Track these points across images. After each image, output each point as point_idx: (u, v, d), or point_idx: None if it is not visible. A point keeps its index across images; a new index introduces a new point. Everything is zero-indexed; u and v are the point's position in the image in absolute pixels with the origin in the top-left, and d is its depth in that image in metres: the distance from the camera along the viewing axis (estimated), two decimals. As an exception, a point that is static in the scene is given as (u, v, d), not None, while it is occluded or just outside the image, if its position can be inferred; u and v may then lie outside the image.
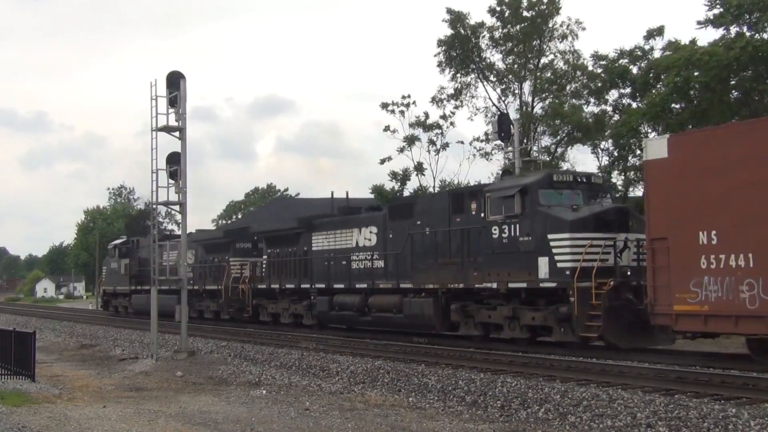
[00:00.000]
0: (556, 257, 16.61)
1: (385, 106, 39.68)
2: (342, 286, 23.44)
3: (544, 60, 36.12)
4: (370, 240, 22.49)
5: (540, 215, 17.17)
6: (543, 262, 16.83)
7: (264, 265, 27.95)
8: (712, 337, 15.41)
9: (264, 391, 15.04)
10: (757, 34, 26.10)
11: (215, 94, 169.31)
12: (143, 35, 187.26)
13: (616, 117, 32.40)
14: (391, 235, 21.64)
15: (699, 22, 27.71)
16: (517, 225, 17.57)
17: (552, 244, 16.76)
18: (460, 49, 35.99)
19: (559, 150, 35.38)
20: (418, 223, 20.59)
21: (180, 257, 22.17)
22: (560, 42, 35.82)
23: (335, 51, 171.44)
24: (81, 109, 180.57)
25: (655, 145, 14.95)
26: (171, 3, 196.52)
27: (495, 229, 18.04)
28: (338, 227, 24.29)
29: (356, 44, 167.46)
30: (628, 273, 16.32)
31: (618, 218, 16.85)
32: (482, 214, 18.52)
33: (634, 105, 31.68)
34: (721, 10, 26.79)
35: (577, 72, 34.81)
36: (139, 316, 35.32)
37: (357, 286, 22.77)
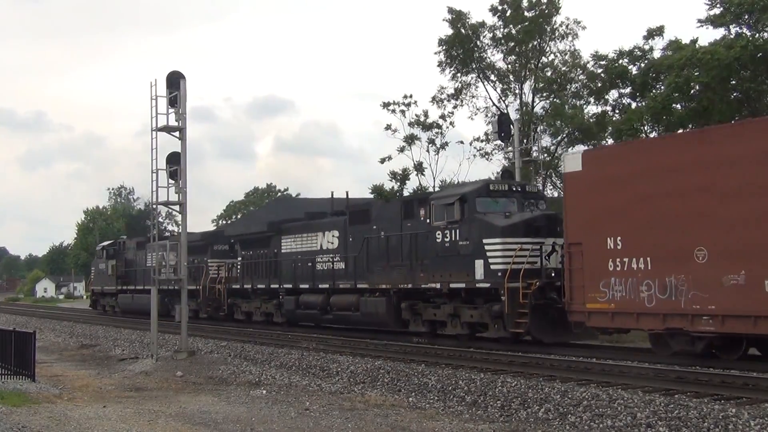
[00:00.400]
0: (490, 260, 17.99)
1: (386, 105, 39.64)
2: (307, 286, 24.89)
3: (544, 60, 36.11)
4: (332, 243, 23.96)
5: (476, 221, 18.59)
6: (479, 265, 18.23)
7: (238, 267, 29.47)
8: (621, 333, 17.15)
9: (264, 391, 15.05)
10: (757, 34, 26.10)
11: (214, 94, 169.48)
12: (141, 35, 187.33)
13: (616, 117, 32.37)
14: (350, 239, 23.01)
15: (699, 20, 27.72)
16: (457, 230, 18.95)
17: (486, 248, 18.12)
18: (461, 48, 35.96)
19: (560, 150, 35.36)
20: (374, 227, 22.00)
21: (179, 257, 22.21)
22: (560, 42, 35.81)
23: (333, 51, 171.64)
24: (80, 109, 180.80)
25: (572, 160, 16.51)
26: (169, 3, 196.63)
27: (438, 234, 19.46)
28: (304, 231, 25.81)
29: (354, 44, 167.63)
30: (553, 274, 17.59)
31: (546, 224, 18.09)
32: (428, 220, 19.91)
33: (634, 105, 31.67)
34: (722, 9, 26.78)
35: (577, 72, 34.78)
36: (126, 314, 37.27)
37: (320, 286, 24.21)
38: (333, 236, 23.97)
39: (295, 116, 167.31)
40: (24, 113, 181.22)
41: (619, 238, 15.29)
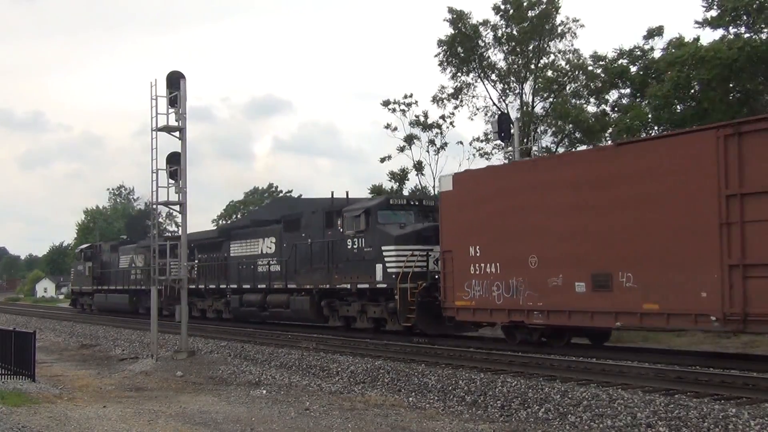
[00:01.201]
0: (387, 264, 20.79)
1: (386, 104, 39.66)
2: (248, 286, 27.75)
3: (544, 60, 36.10)
4: (270, 248, 26.82)
5: (377, 231, 21.38)
6: (379, 268, 21.02)
7: (195, 268, 31.61)
8: (481, 326, 20.57)
9: (264, 391, 15.05)
10: (754, 35, 26.09)
11: (212, 94, 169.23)
12: (139, 35, 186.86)
13: (615, 117, 32.35)
14: (284, 245, 25.69)
15: (697, 22, 27.72)
16: (363, 238, 21.83)
17: (384, 254, 20.90)
18: (462, 48, 35.96)
19: (560, 149, 35.35)
20: (303, 235, 24.70)
21: (180, 257, 22.25)
22: (559, 41, 35.81)
23: (331, 51, 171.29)
24: (78, 109, 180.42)
25: (445, 181, 19.71)
26: (167, 3, 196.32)
27: (349, 242, 22.30)
28: (249, 237, 28.60)
29: (352, 44, 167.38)
30: (436, 276, 20.10)
31: (434, 234, 20.23)
32: (341, 230, 22.73)
33: (637, 101, 31.66)
34: (719, 11, 26.78)
35: (577, 72, 34.78)
36: (101, 312, 40.97)
37: (259, 286, 27.13)
38: (271, 242, 26.79)
39: (293, 116, 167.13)
40: (22, 113, 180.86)
41: (478, 246, 18.37)
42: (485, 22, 35.74)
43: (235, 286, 28.53)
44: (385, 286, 20.80)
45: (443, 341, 20.03)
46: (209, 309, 31.33)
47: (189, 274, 29.84)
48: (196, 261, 31.75)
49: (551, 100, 34.99)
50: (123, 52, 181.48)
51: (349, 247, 22.22)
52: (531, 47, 35.72)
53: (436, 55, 36.64)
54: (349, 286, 22.23)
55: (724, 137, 13.83)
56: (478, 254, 18.31)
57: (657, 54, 31.41)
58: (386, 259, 20.75)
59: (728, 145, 13.71)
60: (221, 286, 29.78)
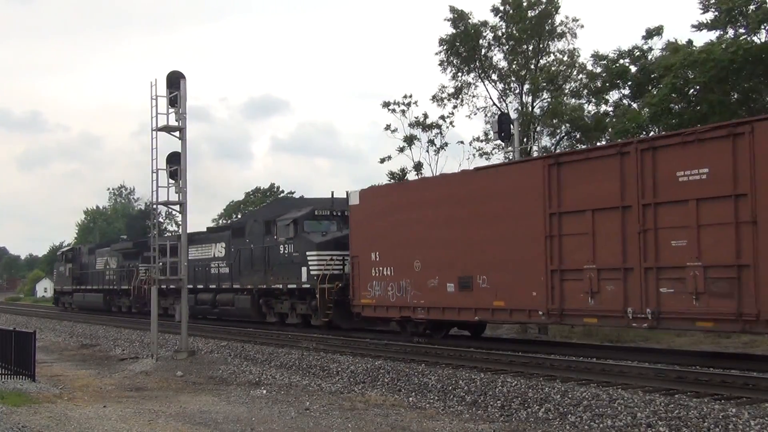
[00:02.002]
0: (310, 267, 23.68)
1: (386, 105, 39.65)
2: (202, 286, 31.06)
3: (543, 60, 36.07)
4: (221, 252, 30.23)
5: (303, 238, 24.36)
6: (304, 271, 23.95)
7: (160, 270, 33.93)
8: (381, 321, 22.35)
9: (264, 391, 15.05)
10: (752, 37, 26.06)
11: (209, 95, 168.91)
12: (136, 35, 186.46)
13: (615, 118, 32.31)
14: (232, 249, 28.90)
15: (693, 26, 27.69)
16: (292, 245, 24.79)
17: (308, 258, 23.81)
18: (464, 47, 35.94)
19: (559, 149, 35.33)
20: (247, 241, 27.59)
21: (180, 257, 22.30)
22: (558, 41, 35.78)
23: (328, 51, 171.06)
24: (76, 108, 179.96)
25: (353, 196, 22.53)
26: (164, 3, 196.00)
27: (281, 247, 25.29)
28: (204, 242, 32.16)
29: (350, 44, 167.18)
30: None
31: None
32: (276, 236, 25.66)
33: (634, 106, 31.63)
34: (716, 13, 26.75)
35: (574, 71, 34.75)
36: (80, 310, 44.27)
37: (211, 286, 30.42)
38: (222, 247, 30.23)
39: (291, 116, 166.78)
40: (20, 113, 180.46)
41: (378, 253, 21.20)
42: (485, 23, 35.75)
43: (191, 286, 30.30)
44: (309, 286, 23.73)
45: (444, 341, 20.10)
46: (170, 307, 33.73)
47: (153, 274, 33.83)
48: (160, 264, 33.11)
49: (547, 99, 34.97)
50: (120, 52, 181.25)
51: (281, 252, 25.28)
52: (530, 47, 35.71)
53: (437, 53, 36.65)
54: (281, 286, 25.38)
55: (548, 166, 16.54)
56: (377, 259, 21.24)
57: (657, 53, 31.39)
58: (310, 262, 23.76)
59: (551, 173, 16.50)
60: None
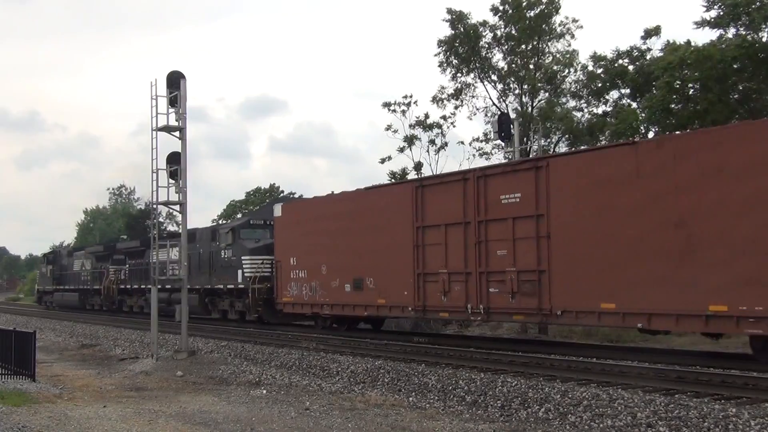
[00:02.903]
0: (245, 270, 27.19)
1: (387, 105, 39.65)
2: (159, 286, 33.66)
3: (541, 60, 36.03)
4: (176, 256, 32.71)
5: (239, 245, 28.18)
6: (239, 273, 27.58)
7: (126, 272, 39.60)
8: (299, 317, 25.82)
9: (264, 391, 15.06)
10: (754, 34, 26.05)
11: (207, 95, 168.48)
12: (133, 36, 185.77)
13: (612, 119, 32.29)
14: (190, 254, 31.47)
15: (696, 23, 27.67)
16: (231, 250, 28.51)
17: (243, 262, 27.40)
18: (463, 48, 35.92)
19: (555, 151, 35.31)
20: (198, 246, 31.16)
21: (180, 257, 22.33)
22: (557, 41, 35.76)
23: (325, 51, 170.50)
24: (73, 108, 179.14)
25: (277, 209, 26.19)
26: (161, 3, 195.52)
27: (223, 252, 29.15)
28: (163, 247, 34.38)
29: (347, 43, 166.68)
30: None
31: None
32: (218, 243, 29.65)
33: (634, 105, 31.61)
34: (720, 11, 26.72)
35: (571, 70, 34.72)
36: (60, 308, 47.64)
37: (167, 286, 32.46)
38: (176, 252, 32.81)
39: (289, 116, 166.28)
40: (17, 113, 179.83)
41: (295, 258, 24.68)
42: (484, 23, 35.73)
43: (149, 286, 34.00)
44: (243, 286, 27.42)
45: (444, 341, 20.12)
46: (135, 305, 38.26)
47: (120, 276, 40.12)
48: (127, 266, 39.28)
49: (544, 100, 34.95)
50: (117, 52, 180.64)
51: (222, 256, 29.14)
52: (529, 47, 35.69)
53: (436, 55, 36.64)
54: (222, 286, 29.19)
55: (415, 188, 20.12)
56: (295, 264, 24.74)
57: (656, 54, 31.38)
58: (244, 266, 27.35)
59: (417, 194, 19.98)
60: (143, 286, 36.37)
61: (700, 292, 14.00)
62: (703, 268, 14.04)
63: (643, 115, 28.82)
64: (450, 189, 19.11)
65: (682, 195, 14.40)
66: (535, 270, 16.84)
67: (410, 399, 13.63)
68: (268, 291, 26.17)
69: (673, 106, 27.75)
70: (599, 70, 33.14)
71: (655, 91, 28.14)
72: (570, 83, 35.07)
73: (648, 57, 31.42)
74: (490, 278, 17.95)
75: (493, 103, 37.02)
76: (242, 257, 27.43)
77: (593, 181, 15.96)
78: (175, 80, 20.83)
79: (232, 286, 28.32)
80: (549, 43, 35.83)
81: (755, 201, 13.32)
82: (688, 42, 28.36)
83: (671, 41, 29.79)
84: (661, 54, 29.99)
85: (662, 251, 14.68)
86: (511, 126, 27.13)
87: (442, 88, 37.75)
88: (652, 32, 31.77)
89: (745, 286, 13.41)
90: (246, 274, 27.01)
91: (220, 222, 54.78)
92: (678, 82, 26.31)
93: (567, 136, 34.15)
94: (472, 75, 37.08)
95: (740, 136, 13.87)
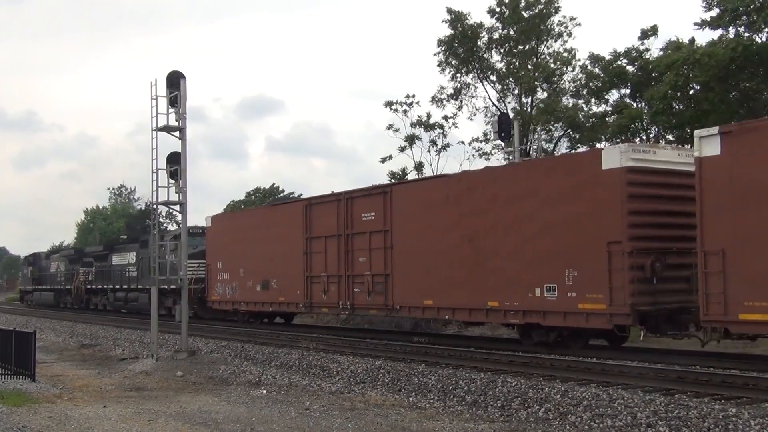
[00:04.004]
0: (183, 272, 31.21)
1: (389, 104, 39.67)
2: (118, 286, 39.39)
3: (540, 60, 36.03)
4: (133, 260, 38.50)
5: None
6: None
7: (93, 273, 44.08)
8: (226, 312, 29.48)
9: (264, 391, 15.06)
10: (755, 35, 26.07)
11: (204, 95, 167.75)
12: (129, 36, 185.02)
13: (614, 118, 32.29)
14: (140, 257, 36.95)
15: (696, 24, 27.68)
16: (174, 255, 30.44)
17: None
18: (462, 48, 35.92)
19: (558, 149, 35.32)
20: (150, 251, 33.93)
21: (180, 257, 22.35)
22: (555, 41, 35.77)
23: (322, 51, 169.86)
24: (71, 108, 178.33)
25: (207, 220, 30.17)
26: (157, 4, 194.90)
27: (168, 257, 32.26)
28: (122, 251, 40.62)
29: (343, 43, 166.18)
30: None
31: None
32: (165, 249, 32.44)
33: (635, 105, 31.62)
34: (719, 11, 26.73)
35: (570, 68, 34.72)
36: (38, 307, 51.53)
37: (124, 286, 38.69)
38: (133, 256, 38.47)
39: (286, 116, 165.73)
40: (15, 113, 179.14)
41: (221, 262, 28.62)
42: (481, 25, 35.72)
43: (112, 286, 40.42)
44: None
45: (444, 341, 20.13)
46: (99, 303, 42.90)
47: (88, 277, 44.53)
48: (93, 268, 43.97)
49: (542, 97, 34.93)
50: (114, 52, 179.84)
51: (168, 260, 33.02)
52: (527, 47, 35.68)
53: (435, 54, 36.65)
54: (168, 286, 32.15)
55: (305, 206, 24.30)
56: (221, 267, 28.53)
57: (654, 53, 31.38)
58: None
59: (307, 211, 24.22)
60: (106, 286, 41.42)
61: (483, 292, 18.04)
62: (485, 273, 18.07)
63: (646, 113, 28.80)
64: (328, 208, 23.20)
65: (473, 217, 18.46)
66: (383, 274, 21.03)
67: (410, 399, 13.63)
68: (202, 291, 30.37)
69: (674, 105, 27.76)
70: (597, 71, 33.16)
71: (655, 88, 28.12)
72: (568, 82, 35.10)
73: (647, 57, 31.44)
74: (354, 280, 22.07)
75: (493, 104, 37.06)
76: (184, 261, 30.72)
77: (420, 205, 20.14)
78: (175, 80, 20.83)
79: (174, 287, 32.12)
80: (547, 43, 35.86)
81: (517, 223, 17.31)
82: (692, 40, 28.39)
83: (673, 39, 29.80)
84: (662, 53, 30.00)
85: (461, 261, 18.72)
86: (511, 126, 27.13)
87: (442, 88, 37.80)
88: (649, 32, 31.79)
89: (508, 287, 17.39)
90: (181, 276, 30.15)
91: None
92: (682, 80, 26.30)
93: (569, 132, 34.12)
94: (471, 75, 37.12)
95: (505, 176, 18.43)
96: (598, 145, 31.70)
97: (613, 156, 15.53)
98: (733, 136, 13.69)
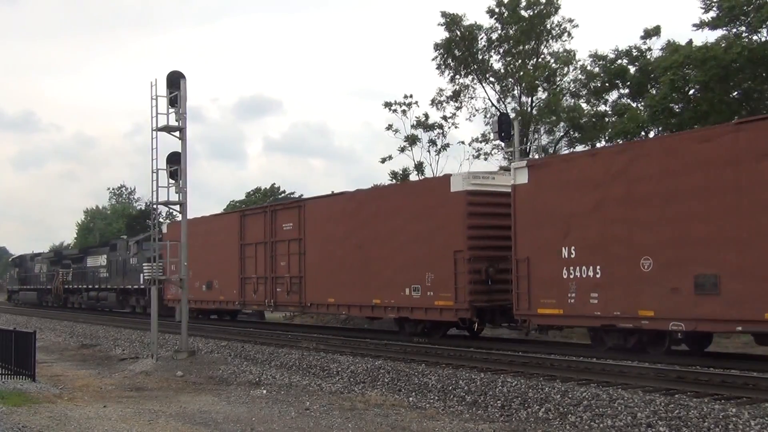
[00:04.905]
0: (145, 274, 34.47)
1: (388, 105, 39.68)
2: (91, 286, 44.18)
3: (539, 60, 36.03)
4: (104, 262, 42.71)
5: (142, 254, 36.29)
6: (141, 276, 35.67)
7: (71, 274, 47.98)
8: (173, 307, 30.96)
9: (264, 391, 15.06)
10: (754, 36, 26.06)
11: (201, 95, 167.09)
12: (127, 36, 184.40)
13: (614, 118, 32.27)
14: (110, 260, 41.59)
15: (695, 25, 27.68)
16: (136, 258, 36.95)
17: (144, 267, 34.56)
18: (459, 50, 35.92)
19: (558, 149, 35.31)
20: (117, 254, 40.50)
21: (180, 257, 22.31)
22: (555, 42, 35.77)
23: (319, 50, 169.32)
24: (68, 108, 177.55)
25: (165, 227, 32.80)
26: (155, 4, 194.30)
27: (131, 260, 38.11)
28: (95, 254, 45.30)
29: (341, 43, 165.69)
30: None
31: None
32: (129, 252, 38.55)
33: (634, 105, 31.62)
34: (717, 12, 26.73)
35: (570, 68, 34.71)
36: (24, 305, 55.53)
37: (96, 286, 43.33)
38: (104, 258, 42.84)
39: (284, 116, 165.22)
40: (12, 113, 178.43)
41: (175, 265, 28.97)
42: (479, 27, 35.69)
43: (86, 286, 45.07)
44: (143, 287, 35.72)
45: (444, 341, 20.15)
46: (76, 301, 46.96)
47: (66, 277, 48.34)
48: (71, 270, 47.80)
49: (543, 98, 34.92)
50: (111, 52, 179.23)
51: (131, 263, 38.03)
52: (526, 47, 35.66)
53: (433, 59, 36.64)
54: (131, 286, 37.96)
55: (240, 216, 27.96)
56: (173, 269, 29.60)
57: (656, 54, 31.38)
58: (144, 271, 34.58)
59: (242, 220, 27.82)
60: (82, 286, 45.87)
61: (369, 291, 21.47)
62: (371, 276, 21.54)
63: (645, 115, 28.80)
64: (258, 218, 26.70)
65: (362, 229, 22.03)
66: (298, 276, 24.54)
67: (410, 399, 13.63)
68: (160, 290, 32.77)
69: (673, 105, 27.74)
70: (596, 69, 33.14)
71: (655, 91, 28.13)
72: (568, 82, 35.09)
73: (648, 57, 31.42)
74: (277, 281, 25.61)
75: (493, 104, 37.05)
76: (143, 264, 35.32)
77: (325, 218, 23.74)
78: (175, 80, 20.82)
79: (137, 287, 37.15)
80: (547, 43, 35.85)
81: (391, 234, 20.95)
82: (690, 42, 28.39)
83: (672, 41, 29.82)
84: (662, 54, 30.00)
85: (354, 266, 22.22)
86: (511, 126, 27.13)
87: (441, 90, 37.80)
88: (651, 32, 31.78)
89: (386, 287, 20.90)
90: (146, 277, 34.73)
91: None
92: (680, 81, 26.29)
93: (570, 131, 34.10)
94: (470, 77, 37.10)
95: (383, 195, 22.69)
96: (598, 145, 31.72)
97: (458, 181, 19.00)
98: (536, 168, 17.20)
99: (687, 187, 14.19)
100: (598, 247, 15.72)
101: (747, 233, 13.30)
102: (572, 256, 16.20)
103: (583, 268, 16.05)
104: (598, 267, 15.74)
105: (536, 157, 30.80)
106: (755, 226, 13.19)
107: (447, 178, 19.71)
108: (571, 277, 16.18)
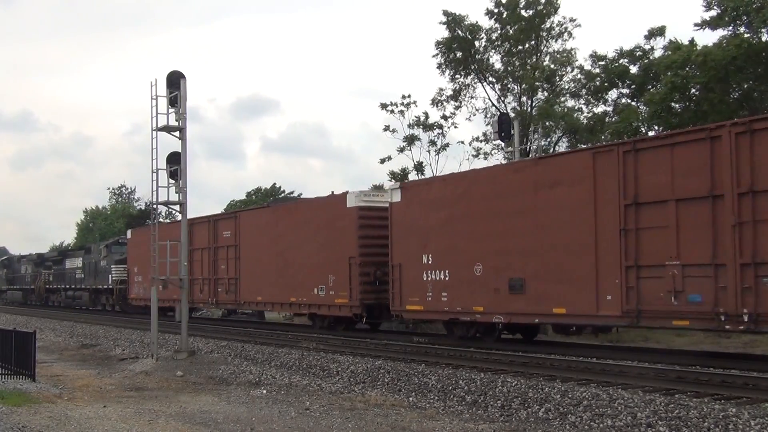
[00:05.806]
0: (113, 275, 39.22)
1: (384, 106, 39.66)
2: (68, 286, 47.56)
3: (540, 60, 35.99)
4: (80, 265, 45.61)
5: (110, 257, 40.44)
6: (110, 277, 39.79)
7: (51, 275, 51.11)
8: (141, 307, 34.62)
9: (264, 391, 15.06)
10: (754, 35, 26.03)
11: (198, 95, 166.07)
12: (125, 36, 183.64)
13: (615, 118, 32.24)
14: (86, 263, 44.20)
15: (696, 24, 27.65)
16: (106, 260, 40.63)
17: (112, 269, 39.47)
18: (460, 50, 35.89)
19: (557, 150, 35.27)
20: (91, 257, 43.24)
21: (180, 257, 22.27)
22: (555, 42, 35.74)
23: (317, 50, 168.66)
24: (66, 108, 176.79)
25: (129, 233, 37.22)
26: (153, 4, 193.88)
27: (102, 262, 41.21)
28: (72, 257, 48.71)
29: (339, 42, 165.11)
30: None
31: None
32: (101, 255, 41.74)
33: (634, 104, 31.60)
34: (719, 11, 26.70)
35: (568, 68, 34.67)
36: (11, 304, 58.31)
37: (73, 287, 46.64)
38: (80, 261, 45.71)
39: (281, 116, 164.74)
40: (10, 113, 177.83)
41: (136, 267, 35.02)
42: (478, 27, 35.66)
43: (65, 286, 48.11)
44: (111, 286, 39.52)
45: (444, 341, 20.13)
46: (55, 300, 50.26)
47: (47, 278, 51.46)
48: (52, 270, 50.95)
49: (541, 100, 34.90)
50: (109, 52, 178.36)
51: (102, 265, 41.12)
52: (526, 47, 35.63)
53: (434, 56, 36.62)
54: (101, 286, 41.37)
55: (190, 224, 24.58)
56: (137, 271, 34.81)
57: (659, 53, 31.35)
58: (113, 272, 39.24)
59: (213, 226, 29.70)
60: (61, 287, 48.95)
61: (287, 290, 25.04)
62: (288, 277, 25.00)
63: (645, 113, 28.78)
64: (203, 226, 29.92)
65: (282, 237, 25.55)
66: (235, 278, 27.89)
67: (410, 399, 13.63)
68: (125, 290, 36.88)
69: (674, 104, 27.72)
70: (597, 69, 33.10)
71: (654, 89, 28.10)
72: (568, 82, 35.06)
73: (651, 57, 31.40)
74: (218, 282, 29.03)
75: (493, 104, 37.03)
76: (111, 266, 39.40)
77: (254, 227, 27.18)
78: (175, 80, 20.82)
79: (106, 286, 40.81)
80: (547, 43, 35.81)
81: (302, 242, 24.48)
82: (692, 42, 28.37)
83: (673, 40, 29.80)
84: (664, 54, 29.97)
85: (276, 268, 25.62)
86: (511, 126, 27.12)
87: (441, 90, 37.77)
88: (656, 32, 31.74)
89: (300, 287, 24.35)
90: (113, 278, 39.11)
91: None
92: (681, 80, 26.27)
93: (568, 134, 34.10)
94: (471, 76, 37.07)
95: (297, 208, 26.86)
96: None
97: (352, 199, 22.48)
98: (407, 189, 21.20)
99: (505, 209, 17.83)
100: (448, 254, 19.35)
101: (542, 247, 16.93)
102: (430, 262, 19.86)
103: (438, 272, 19.71)
104: (447, 271, 19.45)
105: (536, 157, 30.74)
106: (547, 241, 16.80)
107: (344, 195, 22.99)
108: (429, 279, 19.83)
